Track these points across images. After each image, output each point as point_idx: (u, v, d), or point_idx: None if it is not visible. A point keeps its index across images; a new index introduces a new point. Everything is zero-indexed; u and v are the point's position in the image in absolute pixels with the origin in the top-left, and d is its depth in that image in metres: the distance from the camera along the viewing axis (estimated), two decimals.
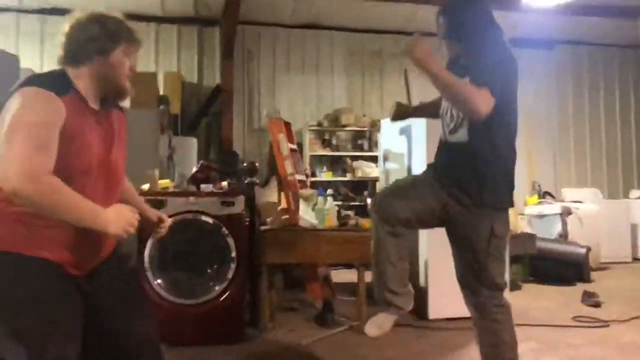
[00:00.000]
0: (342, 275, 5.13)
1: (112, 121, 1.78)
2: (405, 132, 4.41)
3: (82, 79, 1.67)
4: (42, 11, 6.58)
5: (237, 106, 7.25)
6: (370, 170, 7.21)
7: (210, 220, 3.57)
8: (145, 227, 2.02)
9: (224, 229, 3.57)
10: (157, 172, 3.89)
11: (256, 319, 3.88)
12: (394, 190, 2.56)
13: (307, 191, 4.39)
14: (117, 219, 1.54)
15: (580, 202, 6.74)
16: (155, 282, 3.51)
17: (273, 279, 4.00)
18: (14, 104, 1.55)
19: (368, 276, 3.66)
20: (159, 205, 3.38)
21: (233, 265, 3.57)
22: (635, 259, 6.97)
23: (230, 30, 6.75)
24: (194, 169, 4.04)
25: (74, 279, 1.67)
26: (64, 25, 1.70)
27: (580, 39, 8.21)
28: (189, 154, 5.85)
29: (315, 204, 4.20)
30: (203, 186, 3.78)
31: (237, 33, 6.96)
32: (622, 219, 6.95)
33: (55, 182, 1.49)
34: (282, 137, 4.04)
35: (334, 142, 7.51)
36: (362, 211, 6.11)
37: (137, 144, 4.33)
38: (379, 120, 6.09)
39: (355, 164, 7.34)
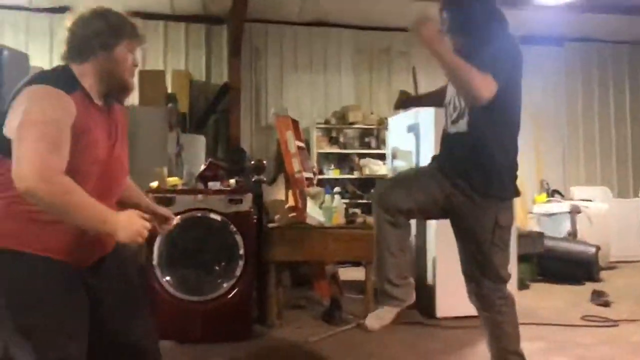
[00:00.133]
0: (350, 273, 5.13)
1: (115, 117, 1.78)
2: (413, 129, 4.40)
3: (87, 76, 1.67)
4: (52, 10, 6.61)
5: (245, 104, 7.26)
6: (377, 168, 7.19)
7: (218, 217, 3.58)
8: (150, 222, 2.01)
9: (231, 226, 3.58)
10: (165, 169, 3.91)
11: (264, 316, 3.89)
12: (396, 180, 2.55)
13: (315, 189, 4.40)
14: (128, 226, 1.53)
15: (590, 200, 6.69)
16: (164, 280, 3.53)
17: (281, 276, 4.01)
18: (23, 101, 1.55)
19: None
20: (167, 202, 3.39)
21: (241, 263, 3.58)
22: None
23: (238, 28, 6.76)
24: (202, 167, 4.05)
25: (79, 272, 1.68)
26: (67, 20, 1.70)
27: (590, 36, 8.14)
28: (197, 151, 5.87)
29: (322, 202, 4.20)
30: (211, 184, 3.79)
31: (245, 31, 6.97)
32: (632, 217, 6.88)
33: (68, 182, 1.49)
34: (289, 134, 4.04)
35: (341, 139, 7.49)
36: (369, 209, 6.08)
37: (146, 142, 4.40)
38: (386, 118, 6.07)
39: (363, 161, 7.33)
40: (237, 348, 3.42)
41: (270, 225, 3.94)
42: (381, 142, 7.35)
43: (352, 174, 7.39)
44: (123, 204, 1.92)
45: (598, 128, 8.43)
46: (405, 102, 2.87)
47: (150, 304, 3.41)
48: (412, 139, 4.40)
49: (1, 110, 1.62)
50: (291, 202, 4.10)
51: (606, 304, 4.49)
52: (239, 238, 3.58)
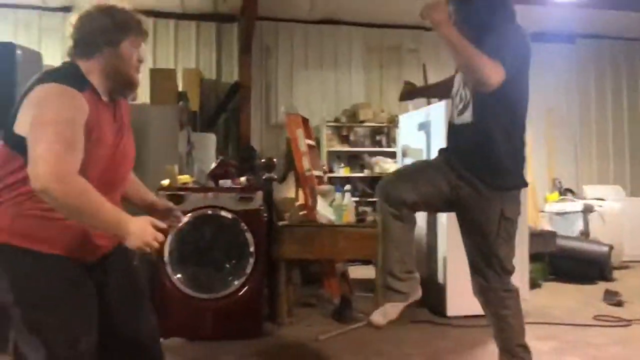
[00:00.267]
0: (360, 272, 5.12)
1: (121, 112, 1.80)
2: (424, 127, 4.38)
3: (94, 73, 1.68)
4: (64, 9, 6.67)
5: (255, 102, 7.27)
6: (388, 166, 7.17)
7: (229, 215, 3.59)
8: (156, 217, 2.01)
9: (242, 224, 3.59)
10: (176, 167, 3.93)
11: (274, 314, 3.90)
12: (400, 173, 2.54)
13: (325, 187, 4.40)
14: (139, 235, 1.53)
15: (602, 199, 6.62)
16: (175, 277, 3.54)
17: (291, 274, 4.01)
18: (36, 100, 1.56)
19: None
20: (178, 200, 3.41)
21: (251, 260, 3.59)
22: None
23: (249, 27, 6.76)
24: (213, 165, 4.07)
25: (86, 268, 1.70)
26: (73, 17, 1.71)
27: (602, 32, 8.05)
28: (208, 150, 5.89)
29: (333, 200, 4.20)
30: (222, 182, 3.80)
31: (255, 29, 6.97)
32: None
33: (83, 183, 1.50)
34: (299, 133, 4.04)
35: (351, 138, 7.48)
36: None
37: (157, 140, 4.42)
38: (397, 116, 6.05)
39: (373, 160, 7.31)
40: (248, 345, 3.43)
41: (281, 223, 3.94)
42: (392, 140, 7.33)
43: (362, 172, 7.38)
44: (128, 200, 1.94)
45: (611, 126, 8.34)
46: (411, 93, 2.86)
47: (161, 301, 3.45)
48: (422, 137, 4.38)
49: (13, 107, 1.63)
50: (301, 201, 4.11)
51: (619, 304, 4.45)
52: (249, 236, 3.59)
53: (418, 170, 2.47)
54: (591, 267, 5.49)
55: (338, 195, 4.28)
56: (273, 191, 4.23)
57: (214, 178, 3.86)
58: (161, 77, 5.42)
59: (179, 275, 3.56)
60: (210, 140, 6.14)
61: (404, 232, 2.32)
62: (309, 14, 7.31)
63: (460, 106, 2.34)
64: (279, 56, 7.52)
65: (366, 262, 4.80)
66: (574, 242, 5.77)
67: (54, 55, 6.31)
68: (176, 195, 3.50)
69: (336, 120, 7.40)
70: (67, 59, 1.72)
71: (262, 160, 4.65)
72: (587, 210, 6.24)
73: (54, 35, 6.71)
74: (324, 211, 4.00)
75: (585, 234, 6.13)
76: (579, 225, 6.20)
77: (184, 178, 3.91)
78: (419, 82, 4.14)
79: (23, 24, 6.80)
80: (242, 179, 3.93)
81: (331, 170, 7.09)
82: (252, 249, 3.59)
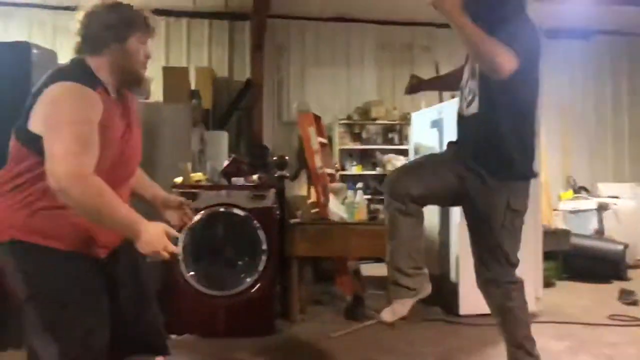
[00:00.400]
0: (372, 269, 5.11)
1: (129, 107, 1.81)
2: (436, 125, 4.36)
3: (102, 69, 1.70)
4: (78, 8, 6.72)
5: (267, 100, 7.28)
6: (400, 164, 7.15)
7: (241, 213, 3.60)
8: (162, 209, 2.03)
9: (255, 221, 3.60)
10: (189, 165, 3.95)
11: (286, 311, 3.91)
12: (406, 167, 2.53)
13: (337, 185, 4.40)
14: (152, 243, 1.54)
15: (617, 197, 6.55)
16: (188, 274, 3.56)
17: (303, 272, 4.02)
18: (52, 98, 1.57)
19: None
20: (191, 198, 3.42)
21: (264, 258, 3.60)
22: None
23: (261, 24, 6.77)
24: (226, 163, 4.08)
25: (97, 264, 1.71)
26: (80, 13, 1.73)
27: (617, 28, 7.94)
28: (220, 147, 5.91)
29: (345, 198, 4.20)
30: (234, 179, 3.81)
31: (267, 27, 6.98)
32: None
33: (100, 184, 1.52)
34: (312, 131, 4.05)
35: (364, 135, 7.46)
36: None
37: (170, 138, 4.44)
38: (409, 114, 6.02)
39: (386, 157, 7.29)
40: (260, 342, 3.44)
41: (293, 220, 3.95)
42: (404, 138, 7.29)
43: (375, 170, 7.36)
44: (139, 196, 1.96)
45: (627, 123, 8.22)
46: (417, 86, 2.85)
47: (174, 298, 3.47)
48: (435, 135, 4.36)
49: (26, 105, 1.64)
50: (313, 198, 4.11)
51: (634, 303, 4.40)
52: (261, 233, 3.60)
53: (424, 163, 2.46)
54: (606, 265, 5.43)
55: (350, 193, 4.27)
56: (285, 189, 4.23)
57: (226, 176, 3.87)
58: (174, 76, 5.45)
59: (192, 273, 3.58)
60: (222, 138, 6.16)
61: (411, 228, 2.30)
62: (321, 11, 7.30)
63: (469, 97, 2.33)
64: (291, 54, 7.52)
65: (378, 259, 4.78)
66: (589, 240, 5.71)
67: (68, 54, 6.37)
68: (189, 193, 3.52)
69: (348, 117, 7.38)
70: (75, 56, 1.74)
71: (274, 158, 4.66)
72: (602, 208, 6.18)
73: (68, 34, 6.74)
74: (336, 209, 4.00)
75: (599, 232, 6.07)
76: (594, 224, 6.14)
77: (197, 176, 3.93)
78: None
79: (37, 23, 6.86)
80: (255, 176, 3.94)
81: (343, 168, 7.08)
82: (264, 246, 3.60)
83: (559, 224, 6.11)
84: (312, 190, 4.23)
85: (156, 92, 5.40)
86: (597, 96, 8.16)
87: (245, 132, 7.22)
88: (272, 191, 3.71)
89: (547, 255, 4.70)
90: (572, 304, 4.47)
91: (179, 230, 2.07)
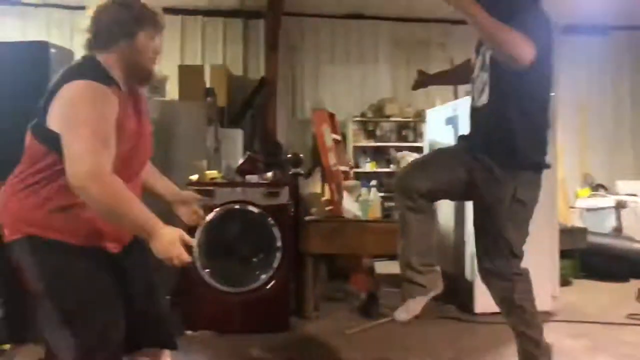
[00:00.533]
0: (387, 267, 5.10)
1: (140, 102, 1.83)
2: (451, 122, 4.33)
3: (114, 67, 1.72)
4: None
5: (281, 97, 7.28)
6: None
7: (256, 210, 3.62)
8: (173, 204, 2.04)
9: (269, 219, 3.62)
10: (205, 163, 3.98)
11: (301, 308, 3.92)
12: (415, 163, 2.52)
13: (351, 182, 4.40)
14: (166, 248, 1.55)
15: (636, 195, 6.45)
16: (204, 271, 3.59)
17: (317, 269, 4.03)
18: (69, 97, 1.59)
19: None
20: (207, 195, 3.45)
21: (278, 255, 3.62)
22: None
23: (275, 22, 6.78)
24: (240, 160, 4.11)
25: (112, 258, 1.73)
26: (90, 9, 1.74)
27: (636, 23, 7.81)
28: (235, 145, 5.94)
29: (359, 195, 4.20)
30: (249, 177, 3.84)
31: (282, 25, 6.99)
32: None
33: (118, 183, 1.54)
34: (326, 128, 4.05)
35: (378, 133, 7.45)
36: None
37: (185, 136, 4.48)
38: (424, 111, 5.99)
39: (400, 154, 7.26)
40: (274, 339, 3.46)
41: (307, 218, 3.96)
42: (418, 135, 7.27)
43: (389, 168, 7.34)
44: (153, 192, 1.97)
45: None
46: (424, 81, 2.83)
47: (190, 294, 3.50)
48: (450, 132, 4.33)
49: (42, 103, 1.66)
50: (327, 196, 4.11)
51: None
52: (276, 230, 3.62)
53: (433, 158, 2.45)
54: (624, 264, 5.35)
55: (364, 190, 4.27)
56: (300, 186, 4.24)
57: (241, 173, 3.90)
58: (189, 74, 5.48)
59: (207, 270, 3.61)
60: (237, 136, 6.19)
61: (422, 224, 2.29)
62: (335, 8, 7.29)
63: (482, 88, 2.32)
64: (305, 51, 7.52)
65: (392, 257, 4.77)
66: (606, 238, 5.64)
67: (83, 53, 6.46)
68: (205, 190, 3.55)
69: (362, 115, 7.37)
70: (86, 53, 1.76)
71: (289, 156, 4.67)
72: (620, 206, 6.09)
73: (83, 32, 6.84)
74: (350, 206, 4.00)
75: (617, 231, 5.99)
76: (611, 222, 6.06)
77: (212, 173, 3.96)
78: None
79: (55, 23, 6.95)
80: (269, 174, 3.96)
81: (357, 166, 7.08)
82: (279, 243, 3.61)
83: (576, 221, 6.04)
84: (326, 187, 4.24)
85: (172, 91, 5.44)
86: (615, 93, 8.03)
87: (260, 129, 7.24)
88: (287, 189, 3.72)
89: (564, 254, 4.65)
90: (589, 302, 4.42)
91: (190, 231, 2.08)
